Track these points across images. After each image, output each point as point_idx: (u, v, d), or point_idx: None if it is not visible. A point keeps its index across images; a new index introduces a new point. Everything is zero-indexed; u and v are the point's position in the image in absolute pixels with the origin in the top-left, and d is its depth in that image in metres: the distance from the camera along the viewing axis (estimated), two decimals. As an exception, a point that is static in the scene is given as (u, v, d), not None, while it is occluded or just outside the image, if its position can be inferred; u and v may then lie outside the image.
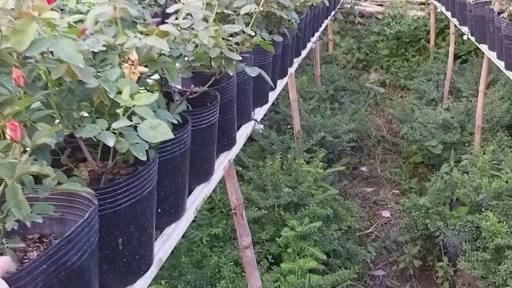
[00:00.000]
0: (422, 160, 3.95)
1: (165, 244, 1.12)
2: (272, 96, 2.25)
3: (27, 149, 0.64)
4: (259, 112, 2.01)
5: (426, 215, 2.88)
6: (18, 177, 0.59)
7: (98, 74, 0.91)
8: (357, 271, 2.77)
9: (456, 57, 5.34)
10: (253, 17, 1.54)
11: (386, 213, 3.67)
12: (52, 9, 0.90)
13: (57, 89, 0.91)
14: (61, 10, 1.47)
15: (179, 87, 1.11)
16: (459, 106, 4.05)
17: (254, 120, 1.91)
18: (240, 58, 1.28)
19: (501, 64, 2.45)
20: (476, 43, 3.13)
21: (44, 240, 0.88)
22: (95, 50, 0.94)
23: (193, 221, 2.78)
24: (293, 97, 3.60)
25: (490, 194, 2.76)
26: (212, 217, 2.89)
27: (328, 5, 2.94)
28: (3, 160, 0.58)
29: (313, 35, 3.51)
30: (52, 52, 0.82)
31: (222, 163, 1.54)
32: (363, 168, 4.33)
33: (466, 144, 3.64)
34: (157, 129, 0.85)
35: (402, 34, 6.08)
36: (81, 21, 1.14)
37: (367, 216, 3.67)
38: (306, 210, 2.79)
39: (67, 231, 0.72)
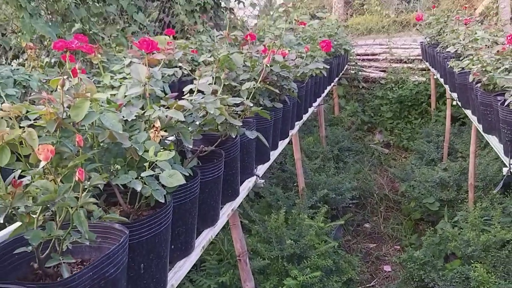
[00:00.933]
0: (421, 216, 4.14)
1: (176, 274, 1.38)
2: (274, 154, 2.54)
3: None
4: (261, 169, 2.30)
5: (421, 268, 3.07)
6: (80, 206, 0.88)
7: (130, 137, 1.22)
8: (358, 321, 2.94)
9: (455, 119, 5.65)
10: (252, 91, 1.85)
11: (387, 268, 3.84)
12: (98, 91, 1.22)
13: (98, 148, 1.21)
14: (98, 83, 1.82)
15: (191, 146, 1.41)
16: (456, 166, 4.30)
17: (256, 175, 2.19)
18: (241, 124, 1.59)
19: (480, 127, 2.74)
20: (462, 108, 3.44)
21: (85, 263, 1.15)
22: (129, 119, 1.25)
23: (203, 269, 3.01)
24: (298, 157, 3.90)
25: (479, 247, 2.96)
26: (221, 267, 3.11)
27: (325, 75, 3.26)
28: (71, 195, 0.87)
29: (315, 101, 3.85)
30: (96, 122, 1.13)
31: (227, 211, 1.81)
32: (367, 225, 4.53)
33: (462, 202, 3.86)
34: (173, 177, 1.13)
35: (404, 98, 6.44)
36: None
37: (369, 270, 3.83)
38: (308, 262, 3.00)
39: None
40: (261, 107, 2.06)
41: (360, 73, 6.86)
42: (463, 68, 3.00)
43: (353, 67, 6.86)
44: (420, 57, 6.63)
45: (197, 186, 1.47)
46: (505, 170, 2.14)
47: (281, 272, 3.02)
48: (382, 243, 4.25)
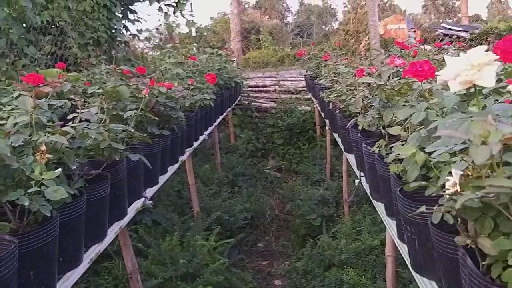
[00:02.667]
0: (307, 232, 4.54)
1: (64, 283, 1.53)
2: (163, 178, 2.75)
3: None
4: (150, 191, 2.50)
5: (303, 277, 3.41)
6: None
7: (18, 160, 1.38)
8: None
9: (337, 144, 6.25)
10: (140, 120, 2.07)
11: (278, 282, 4.14)
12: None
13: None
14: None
15: (75, 167, 1.59)
16: (335, 184, 4.80)
17: (145, 197, 2.39)
18: (123, 148, 1.80)
19: (343, 147, 3.19)
20: (333, 133, 3.93)
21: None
22: (16, 145, 1.41)
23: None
24: (192, 182, 4.13)
25: (351, 254, 3.38)
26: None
27: (212, 105, 3.57)
28: None
29: (206, 129, 4.13)
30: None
31: (114, 229, 1.99)
32: (260, 244, 4.84)
33: (339, 216, 4.32)
34: (57, 192, 1.31)
35: (293, 126, 6.98)
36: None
37: (261, 285, 4.11)
38: (201, 279, 3.21)
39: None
40: (147, 134, 2.29)
41: (253, 103, 7.32)
42: (328, 98, 3.47)
43: (246, 98, 7.30)
44: (306, 89, 7.25)
45: (83, 204, 1.64)
46: (357, 181, 2.56)
47: (175, 291, 3.20)
48: (273, 259, 4.56)
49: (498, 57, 0.88)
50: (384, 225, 3.82)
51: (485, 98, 1.32)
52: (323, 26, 20.20)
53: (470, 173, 0.98)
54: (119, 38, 6.44)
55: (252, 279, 3.95)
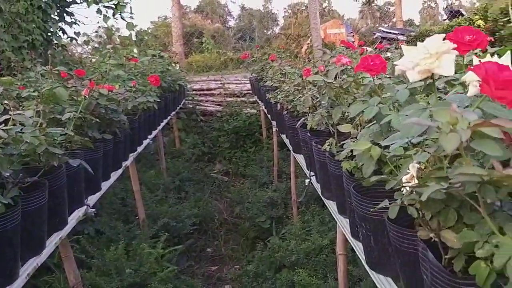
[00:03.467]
0: (256, 234, 4.50)
1: (-2, 301, 1.40)
2: (106, 185, 2.62)
3: None
4: (92, 199, 2.36)
5: (254, 280, 3.36)
6: None
7: None
8: None
9: (283, 145, 6.27)
10: (73, 122, 1.94)
11: (227, 287, 4.07)
12: None
13: None
14: None
15: (7, 174, 1.45)
16: (283, 186, 4.80)
17: (87, 205, 2.25)
18: (61, 153, 1.67)
19: (291, 148, 3.19)
20: (280, 134, 3.93)
21: None
22: None
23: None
24: (137, 188, 3.98)
25: (301, 255, 3.37)
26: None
27: (156, 108, 3.45)
28: None
29: (150, 133, 4.00)
30: None
31: (54, 240, 1.85)
32: (208, 249, 4.74)
33: (288, 217, 4.32)
34: (-13, 202, 1.19)
35: (239, 129, 6.94)
36: None
37: (211, 292, 4.03)
38: (150, 289, 3.08)
39: None
40: (88, 138, 2.16)
41: (198, 107, 7.21)
42: (276, 99, 3.45)
43: (191, 102, 7.19)
44: (251, 91, 7.23)
45: (18, 215, 1.51)
46: (307, 181, 2.54)
47: (122, 303, 3.05)
48: (223, 264, 4.49)
49: (456, 45, 0.87)
50: (333, 224, 3.87)
51: (427, 96, 1.33)
52: (265, 31, 20.42)
53: (426, 166, 0.97)
54: (55, 41, 6.15)
55: (202, 286, 3.86)
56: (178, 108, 6.11)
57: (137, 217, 4.35)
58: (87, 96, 2.09)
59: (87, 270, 3.25)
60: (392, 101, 1.27)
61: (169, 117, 5.16)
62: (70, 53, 7.63)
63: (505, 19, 4.83)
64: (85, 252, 3.43)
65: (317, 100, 2.19)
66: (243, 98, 7.46)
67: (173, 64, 6.62)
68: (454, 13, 11.79)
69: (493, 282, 0.73)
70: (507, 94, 0.73)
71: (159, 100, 3.66)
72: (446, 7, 11.89)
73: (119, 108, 2.73)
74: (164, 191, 5.09)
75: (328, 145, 1.91)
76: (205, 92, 7.70)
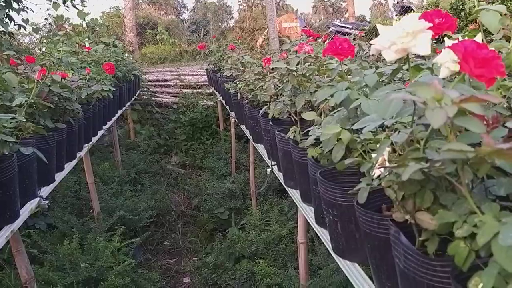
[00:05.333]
0: (215, 226, 4.47)
1: None
2: (60, 176, 2.50)
3: None
4: (46, 190, 2.25)
5: (213, 271, 3.33)
6: None
7: None
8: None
9: (241, 137, 6.25)
10: (24, 108, 1.83)
11: (186, 279, 4.02)
12: None
13: None
14: None
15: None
16: (241, 177, 4.78)
17: (40, 197, 2.14)
18: (13, 140, 1.57)
19: (251, 138, 3.17)
20: (239, 124, 3.90)
21: None
22: None
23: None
24: (91, 181, 3.84)
25: (261, 245, 3.36)
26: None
27: (111, 97, 3.34)
28: None
29: (105, 124, 3.87)
30: None
31: (4, 234, 1.74)
32: (166, 242, 4.67)
33: (247, 208, 4.30)
34: None
35: (196, 121, 6.84)
36: None
37: (169, 284, 3.96)
38: (105, 283, 2.98)
39: None
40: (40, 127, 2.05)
41: (153, 98, 7.06)
42: (235, 89, 3.42)
43: (146, 93, 7.02)
44: (207, 83, 7.15)
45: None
46: (268, 170, 2.53)
47: (77, 299, 2.94)
48: (181, 257, 4.43)
49: (431, 24, 0.87)
50: (291, 214, 3.89)
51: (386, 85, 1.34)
52: (220, 24, 20.30)
53: (395, 150, 0.97)
54: (2, 28, 5.82)
55: (160, 279, 3.79)
56: (133, 99, 5.95)
57: (91, 211, 4.21)
58: (39, 81, 1.98)
59: (40, 265, 3.11)
60: (359, 86, 1.26)
61: (124, 108, 5.02)
62: (17, 43, 7.27)
63: (455, 15, 4.99)
64: (37, 247, 3.29)
65: (280, 88, 2.18)
66: (199, 90, 7.37)
67: (126, 54, 6.43)
68: (405, 9, 12.11)
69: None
70: (485, 72, 0.73)
71: (114, 89, 3.54)
72: (397, 3, 12.17)
73: (72, 96, 2.61)
74: (120, 183, 4.95)
75: (292, 133, 1.90)
76: (161, 83, 7.55)
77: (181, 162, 6.68)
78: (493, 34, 1.19)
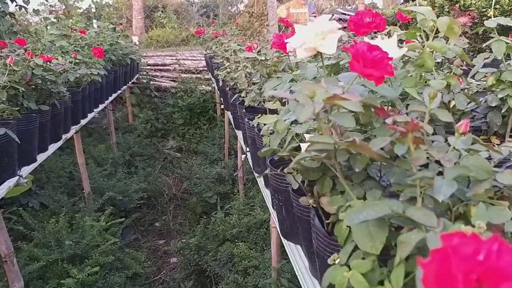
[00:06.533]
0: (203, 209, 4.57)
1: None
2: (42, 156, 2.60)
3: None
4: (26, 170, 2.35)
5: (196, 253, 3.44)
6: None
7: None
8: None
9: (236, 124, 6.33)
10: (5, 92, 1.92)
11: (174, 259, 4.14)
12: None
13: None
14: None
15: None
16: (231, 162, 4.87)
17: (19, 176, 2.24)
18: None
19: (233, 124, 3.24)
20: (225, 111, 3.97)
21: None
22: None
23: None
24: (81, 161, 3.95)
25: (243, 228, 3.46)
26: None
27: (100, 80, 3.42)
28: None
29: (96, 107, 3.95)
30: None
31: (-20, 209, 1.84)
32: (157, 224, 4.79)
33: (235, 193, 4.40)
34: None
35: (193, 106, 6.92)
36: None
37: (157, 264, 4.08)
38: (90, 261, 3.10)
39: None
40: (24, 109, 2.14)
41: (152, 82, 7.14)
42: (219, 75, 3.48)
43: (145, 77, 7.10)
44: (206, 68, 7.21)
45: None
46: (243, 156, 2.61)
47: (61, 274, 3.05)
48: (170, 238, 4.55)
49: (340, 26, 0.94)
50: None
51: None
52: (229, 8, 20.21)
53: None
54: (2, 9, 5.90)
55: (147, 258, 3.91)
56: (130, 82, 6.03)
57: (83, 191, 4.33)
58: (11, 65, 2.06)
59: (27, 242, 3.23)
60: (302, 78, 1.33)
61: (119, 92, 5.10)
62: (21, 23, 7.34)
63: (450, 5, 4.98)
64: (26, 224, 3.40)
65: (250, 77, 2.24)
66: (198, 75, 7.43)
67: (131, 38, 6.49)
68: (410, -2, 12.02)
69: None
70: (374, 72, 0.80)
71: (104, 73, 3.62)
72: (402, -8, 12.06)
73: (58, 80, 2.69)
74: (114, 165, 5.06)
75: (256, 121, 1.97)
76: (160, 67, 7.62)
77: (178, 146, 6.78)
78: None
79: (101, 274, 3.12)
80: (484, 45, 1.41)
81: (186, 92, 7.10)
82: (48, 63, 2.57)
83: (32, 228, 3.36)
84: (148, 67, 7.48)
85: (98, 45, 3.93)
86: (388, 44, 0.99)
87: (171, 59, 7.86)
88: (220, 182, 4.59)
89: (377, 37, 1.17)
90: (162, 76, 7.45)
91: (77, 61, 3.27)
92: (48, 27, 3.76)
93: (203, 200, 4.52)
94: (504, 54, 1.43)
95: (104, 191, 4.25)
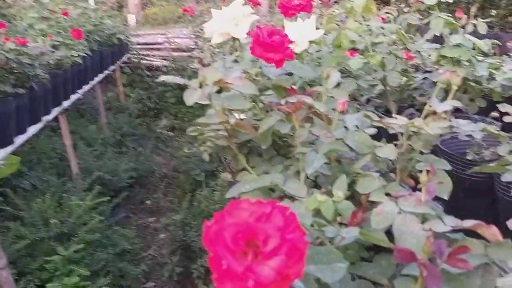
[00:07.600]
0: (192, 187, 4.65)
1: None
2: (21, 138, 2.67)
3: None
4: (1, 152, 2.42)
5: (181, 228, 3.53)
6: None
7: None
8: (129, 285, 3.27)
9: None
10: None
11: (162, 235, 4.24)
12: None
13: None
14: None
15: None
16: (219, 140, 4.93)
17: (-5, 157, 2.32)
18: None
19: (213, 104, 3.30)
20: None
21: None
22: None
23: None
24: (68, 143, 4.02)
25: (224, 204, 3.54)
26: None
27: (82, 62, 3.46)
28: None
29: (80, 88, 4.00)
30: None
31: (-46, 190, 1.92)
32: (148, 202, 4.89)
33: (221, 171, 4.47)
34: None
35: (185, 84, 6.94)
36: None
37: (146, 241, 4.19)
38: (77, 238, 3.20)
39: None
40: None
41: (143, 61, 7.16)
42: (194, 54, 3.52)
43: (136, 56, 7.12)
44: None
45: None
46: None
47: (48, 252, 3.15)
48: (161, 215, 4.64)
49: (252, 11, 0.98)
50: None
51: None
52: (227, -17, 19.90)
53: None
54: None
55: (136, 235, 4.01)
56: (120, 62, 6.05)
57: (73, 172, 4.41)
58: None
59: (12, 220, 3.32)
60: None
61: (106, 72, 5.14)
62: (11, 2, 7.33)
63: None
64: (15, 206, 3.49)
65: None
66: (190, 53, 7.42)
67: (127, 16, 6.43)
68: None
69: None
70: (273, 56, 0.85)
71: (85, 54, 3.66)
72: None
73: (35, 63, 2.74)
74: (104, 146, 5.13)
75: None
76: (151, 46, 7.62)
77: (171, 125, 6.84)
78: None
79: (88, 251, 3.22)
80: (424, 21, 1.45)
81: (177, 70, 7.11)
82: (23, 46, 2.61)
83: (20, 208, 3.45)
84: (139, 46, 7.48)
85: (80, 26, 3.95)
86: (307, 25, 1.03)
87: (162, 38, 7.86)
88: (208, 160, 4.66)
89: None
90: (153, 55, 7.47)
91: (58, 43, 3.30)
92: (31, 9, 3.77)
93: (191, 178, 4.60)
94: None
95: (93, 171, 4.32)
